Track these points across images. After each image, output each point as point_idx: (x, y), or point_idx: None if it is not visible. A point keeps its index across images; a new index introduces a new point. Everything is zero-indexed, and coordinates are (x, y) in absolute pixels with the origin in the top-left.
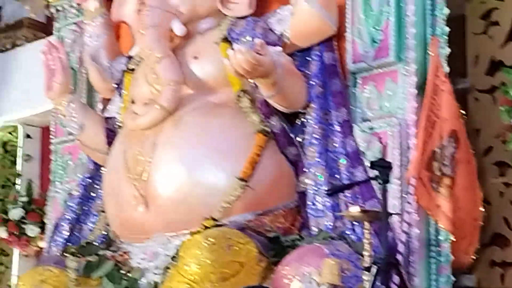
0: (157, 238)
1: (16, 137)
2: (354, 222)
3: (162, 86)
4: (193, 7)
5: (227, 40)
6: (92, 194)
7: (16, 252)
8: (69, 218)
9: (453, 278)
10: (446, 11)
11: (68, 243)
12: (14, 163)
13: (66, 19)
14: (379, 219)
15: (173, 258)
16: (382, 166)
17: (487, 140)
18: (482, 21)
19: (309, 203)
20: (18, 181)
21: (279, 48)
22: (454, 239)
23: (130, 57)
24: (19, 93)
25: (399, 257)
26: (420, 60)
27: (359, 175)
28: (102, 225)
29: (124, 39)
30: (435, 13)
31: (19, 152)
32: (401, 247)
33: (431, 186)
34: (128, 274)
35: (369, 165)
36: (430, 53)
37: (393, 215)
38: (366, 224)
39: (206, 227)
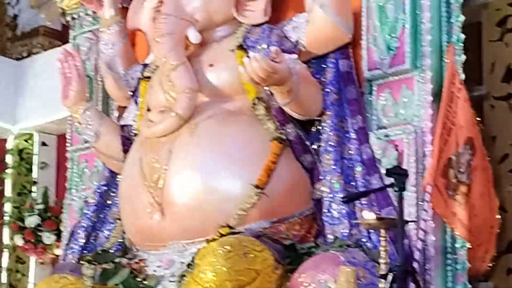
0: (172, 246)
1: (32, 145)
2: (370, 230)
3: (177, 93)
4: (209, 15)
5: (242, 47)
6: (108, 201)
7: (32, 260)
8: (85, 225)
9: (469, 286)
10: (462, 18)
11: (84, 251)
12: (30, 170)
13: (81, 27)
14: (395, 227)
15: (189, 265)
16: (398, 174)
17: (503, 147)
18: (498, 28)
19: (324, 210)
20: (34, 188)
21: (294, 56)
22: (470, 247)
23: (145, 65)
24: (35, 101)
25: (415, 264)
26: (436, 68)
27: (375, 183)
28: (118, 232)
29: (140, 47)
30: (451, 20)
31: (35, 160)
32: (417, 255)
33: (447, 194)
34: (144, 281)
35: (385, 172)
36: (446, 60)
37: (409, 223)
38: (382, 232)
39: (222, 235)
